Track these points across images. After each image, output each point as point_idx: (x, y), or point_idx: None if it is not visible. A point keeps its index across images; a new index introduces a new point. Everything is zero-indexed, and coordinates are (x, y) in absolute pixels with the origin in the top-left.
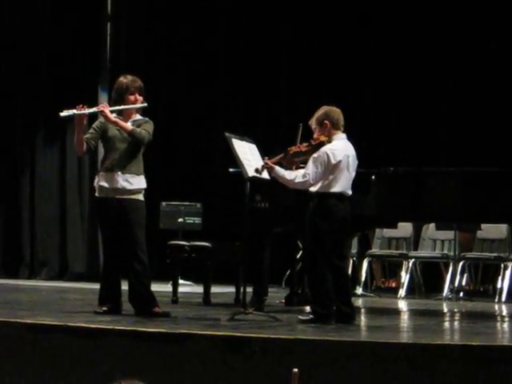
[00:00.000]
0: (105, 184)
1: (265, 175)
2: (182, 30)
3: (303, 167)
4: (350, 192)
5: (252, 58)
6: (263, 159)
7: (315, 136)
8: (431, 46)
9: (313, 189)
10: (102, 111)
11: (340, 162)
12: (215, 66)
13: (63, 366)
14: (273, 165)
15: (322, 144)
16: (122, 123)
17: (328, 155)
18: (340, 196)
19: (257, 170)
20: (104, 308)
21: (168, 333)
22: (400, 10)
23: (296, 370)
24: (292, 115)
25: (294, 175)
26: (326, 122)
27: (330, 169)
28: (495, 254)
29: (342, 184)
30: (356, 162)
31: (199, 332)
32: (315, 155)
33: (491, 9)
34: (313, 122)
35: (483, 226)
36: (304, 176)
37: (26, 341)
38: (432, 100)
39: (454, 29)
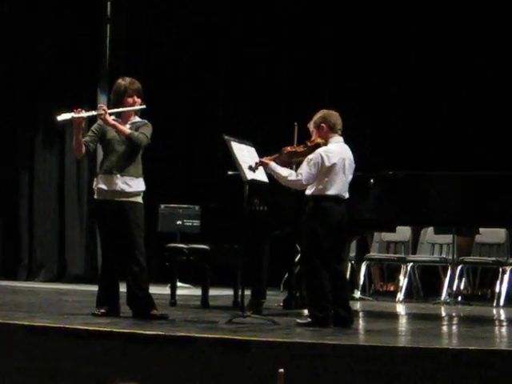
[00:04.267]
0: (103, 186)
1: (263, 178)
2: (182, 32)
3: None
4: (346, 195)
5: (252, 60)
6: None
7: (312, 138)
8: (431, 48)
9: (308, 192)
10: (100, 114)
11: (335, 164)
12: (215, 68)
13: (61, 368)
14: (268, 161)
15: (317, 146)
16: (121, 126)
17: (322, 157)
18: (336, 198)
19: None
20: (102, 310)
21: (166, 335)
22: (403, 15)
23: (282, 370)
24: (291, 118)
25: (287, 172)
26: (323, 125)
27: (324, 171)
28: (493, 259)
29: (338, 187)
30: (353, 166)
31: (197, 335)
32: (310, 156)
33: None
34: (310, 125)
35: (482, 230)
36: (297, 175)
37: (23, 343)
38: (432, 103)
39: (453, 33)
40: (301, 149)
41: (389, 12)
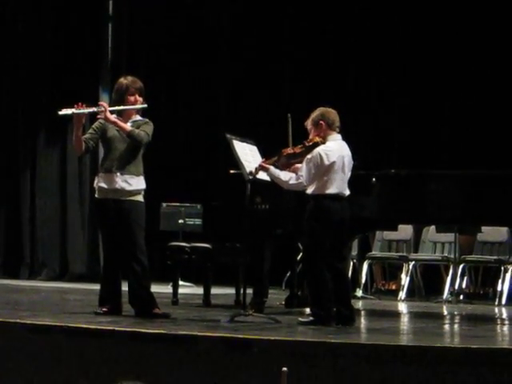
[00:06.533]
0: (104, 185)
1: (265, 177)
2: (183, 31)
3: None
4: (346, 192)
5: (254, 59)
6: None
7: (310, 137)
8: (434, 47)
9: (308, 191)
10: (101, 111)
11: (334, 163)
12: (216, 66)
13: (63, 367)
14: (268, 166)
15: (316, 145)
16: (121, 124)
17: (321, 156)
18: (336, 197)
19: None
20: (104, 309)
21: (168, 334)
22: (404, 13)
23: (285, 368)
24: (293, 115)
25: (288, 176)
26: (322, 122)
27: (324, 170)
28: (495, 257)
29: (338, 185)
30: (352, 163)
31: (199, 333)
32: (309, 156)
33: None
34: (308, 123)
35: (484, 228)
36: (298, 177)
37: (25, 341)
38: (434, 102)
39: (456, 30)
40: (299, 149)
41: (391, 12)
